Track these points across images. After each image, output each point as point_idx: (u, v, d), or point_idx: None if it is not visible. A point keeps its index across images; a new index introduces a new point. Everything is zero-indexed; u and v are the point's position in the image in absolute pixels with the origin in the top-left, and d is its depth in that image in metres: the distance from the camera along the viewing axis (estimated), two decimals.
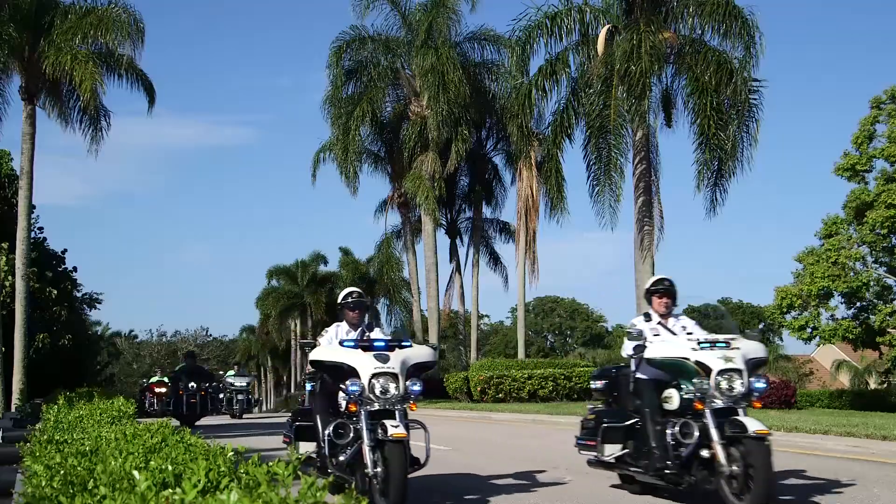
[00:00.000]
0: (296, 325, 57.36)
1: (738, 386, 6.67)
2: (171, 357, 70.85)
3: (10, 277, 26.43)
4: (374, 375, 6.92)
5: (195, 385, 22.35)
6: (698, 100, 22.64)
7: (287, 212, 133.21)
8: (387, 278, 39.52)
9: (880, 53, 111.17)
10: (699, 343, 6.95)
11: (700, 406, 6.68)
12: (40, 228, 34.11)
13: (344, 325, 8.26)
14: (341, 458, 7.04)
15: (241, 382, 27.60)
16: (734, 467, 6.38)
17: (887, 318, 31.65)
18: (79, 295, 37.50)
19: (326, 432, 7.11)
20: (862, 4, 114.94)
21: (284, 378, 64.05)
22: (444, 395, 29.85)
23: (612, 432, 7.41)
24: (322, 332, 8.52)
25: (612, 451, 7.42)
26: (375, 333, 8.08)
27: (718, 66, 22.37)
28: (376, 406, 6.89)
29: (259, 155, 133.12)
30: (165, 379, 26.67)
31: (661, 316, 7.94)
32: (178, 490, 2.54)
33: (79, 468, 3.31)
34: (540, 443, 13.12)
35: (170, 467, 3.15)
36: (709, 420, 6.58)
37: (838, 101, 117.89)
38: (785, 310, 33.23)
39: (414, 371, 7.29)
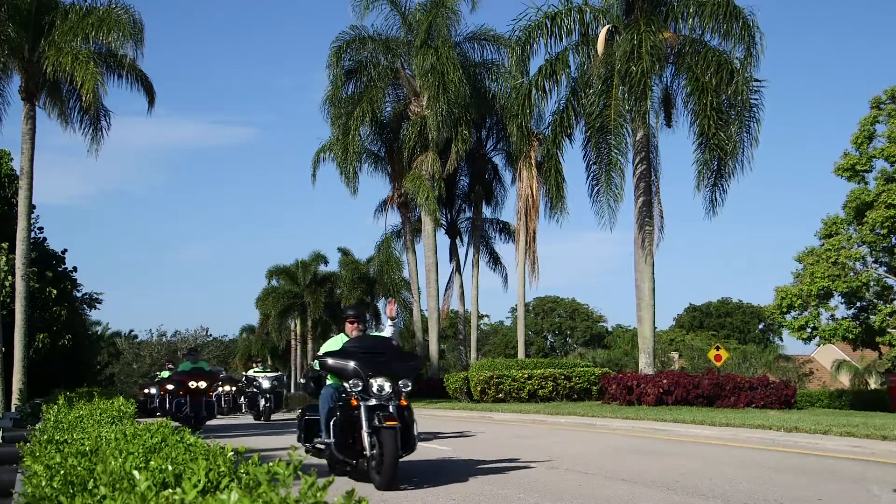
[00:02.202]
0: (296, 325, 57.35)
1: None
2: (172, 356, 70.72)
3: (10, 277, 26.46)
4: None
5: (381, 383, 8.57)
6: (698, 100, 22.66)
7: (287, 212, 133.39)
8: (387, 278, 39.52)
9: (880, 53, 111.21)
10: None
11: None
12: (40, 228, 34.23)
13: None
14: None
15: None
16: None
17: (887, 318, 31.64)
18: (79, 295, 37.52)
19: None
20: (862, 4, 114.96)
21: (284, 378, 64.09)
22: (444, 395, 29.86)
23: None
24: None
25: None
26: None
27: (719, 66, 22.39)
28: None
29: (259, 155, 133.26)
30: (205, 366, 19.56)
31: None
32: (178, 490, 2.54)
33: (79, 468, 3.31)
34: (539, 442, 13.13)
35: (170, 467, 3.15)
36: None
37: (838, 101, 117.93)
38: (785, 310, 33.22)
39: None
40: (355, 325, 9.45)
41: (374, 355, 8.67)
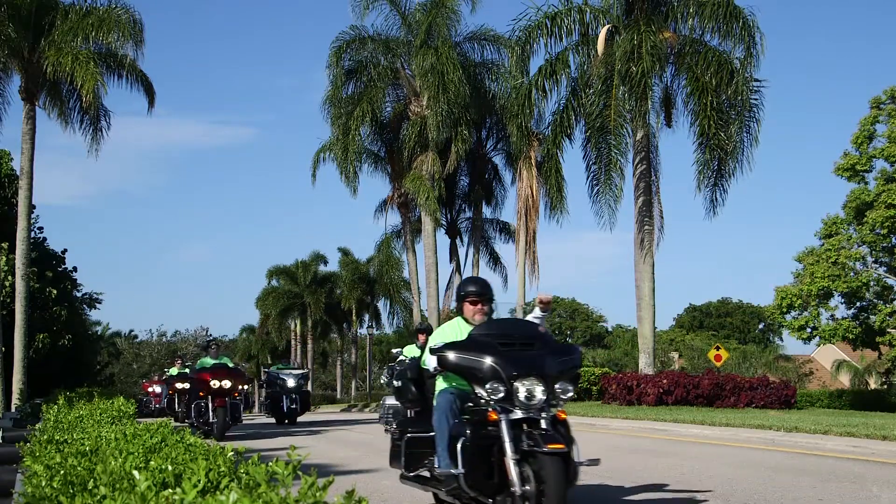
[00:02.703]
0: (296, 325, 57.37)
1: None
2: (171, 357, 70.88)
3: (10, 277, 26.46)
4: None
5: (531, 388, 5.97)
6: (698, 100, 22.67)
7: (287, 212, 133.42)
8: (387, 278, 39.53)
9: (880, 53, 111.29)
10: None
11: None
12: (40, 228, 34.24)
13: None
14: None
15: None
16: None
17: (887, 318, 31.67)
18: (79, 295, 37.55)
19: None
20: (862, 4, 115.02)
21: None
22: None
23: None
24: None
25: None
26: None
27: (719, 66, 22.40)
28: None
29: (259, 155, 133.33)
30: (228, 362, 16.83)
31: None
32: (178, 490, 2.54)
33: (79, 468, 3.31)
34: None
35: (170, 467, 3.15)
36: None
37: (838, 101, 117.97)
38: (785, 310, 33.25)
39: None
40: (479, 305, 6.55)
41: (517, 347, 6.09)
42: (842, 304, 33.20)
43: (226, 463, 3.15)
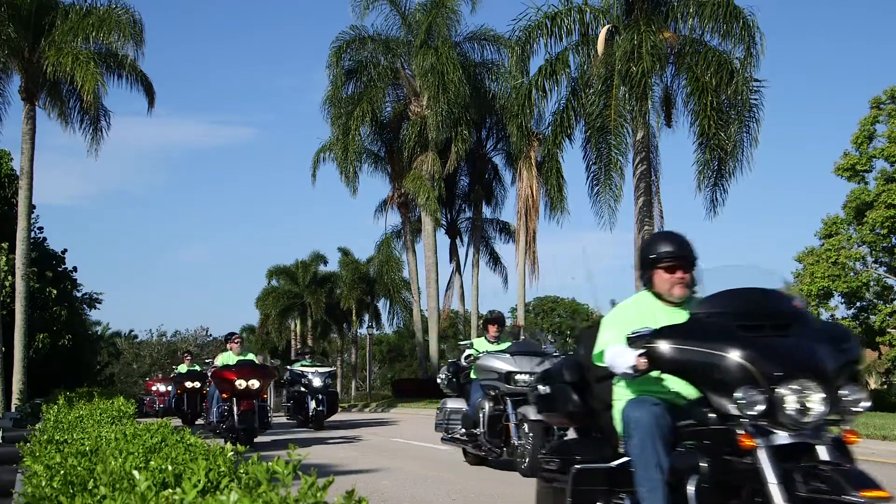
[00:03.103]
0: (296, 325, 57.37)
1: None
2: (171, 357, 70.86)
3: (10, 277, 26.47)
4: None
5: (804, 397, 3.69)
6: (698, 100, 22.65)
7: (287, 212, 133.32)
8: (387, 278, 39.52)
9: (880, 53, 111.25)
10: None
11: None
12: (40, 228, 34.26)
13: None
14: None
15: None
16: None
17: (887, 318, 31.68)
18: (79, 295, 37.56)
19: None
20: (862, 4, 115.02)
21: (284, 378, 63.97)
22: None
23: None
24: None
25: None
26: None
27: (719, 66, 22.38)
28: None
29: (259, 155, 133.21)
30: (254, 359, 14.70)
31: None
32: (178, 490, 2.54)
33: (79, 468, 3.31)
34: None
35: (170, 467, 3.15)
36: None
37: (838, 101, 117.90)
38: None
39: None
40: (678, 272, 4.41)
41: (767, 332, 3.86)
42: (842, 304, 33.25)
43: (226, 463, 3.15)
